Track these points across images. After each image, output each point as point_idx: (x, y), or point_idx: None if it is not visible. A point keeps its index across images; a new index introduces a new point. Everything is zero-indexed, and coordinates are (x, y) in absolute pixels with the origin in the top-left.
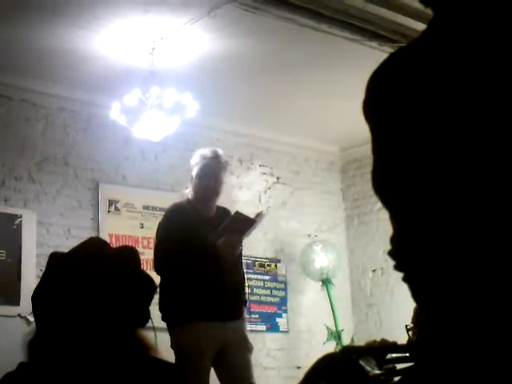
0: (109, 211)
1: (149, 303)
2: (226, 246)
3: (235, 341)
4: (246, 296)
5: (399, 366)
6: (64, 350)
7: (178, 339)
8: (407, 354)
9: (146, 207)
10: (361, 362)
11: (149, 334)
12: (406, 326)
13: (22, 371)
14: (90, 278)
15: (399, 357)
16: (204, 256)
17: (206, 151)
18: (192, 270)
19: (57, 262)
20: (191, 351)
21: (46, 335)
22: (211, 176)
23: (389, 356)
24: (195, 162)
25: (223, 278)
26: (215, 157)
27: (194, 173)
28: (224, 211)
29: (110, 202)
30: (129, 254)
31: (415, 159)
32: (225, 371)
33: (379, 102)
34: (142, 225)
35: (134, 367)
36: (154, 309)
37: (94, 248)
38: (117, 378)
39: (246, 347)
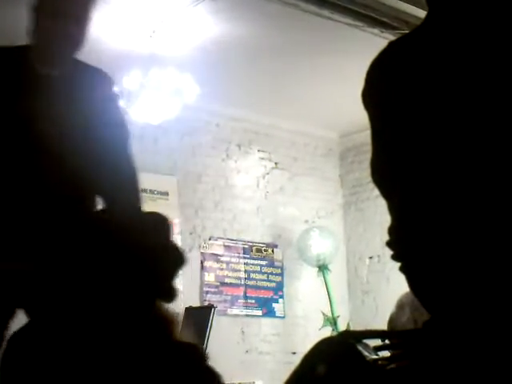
0: None
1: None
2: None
3: None
4: None
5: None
6: (77, 321)
7: None
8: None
9: (144, 190)
10: (358, 347)
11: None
12: None
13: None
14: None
15: (393, 343)
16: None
17: None
18: None
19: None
20: None
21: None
22: (58, 6)
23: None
24: None
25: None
26: None
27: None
28: (84, 69)
29: None
30: (158, 222)
31: (414, 150)
32: None
33: (378, 91)
34: None
35: (149, 345)
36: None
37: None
38: (131, 352)
39: None
